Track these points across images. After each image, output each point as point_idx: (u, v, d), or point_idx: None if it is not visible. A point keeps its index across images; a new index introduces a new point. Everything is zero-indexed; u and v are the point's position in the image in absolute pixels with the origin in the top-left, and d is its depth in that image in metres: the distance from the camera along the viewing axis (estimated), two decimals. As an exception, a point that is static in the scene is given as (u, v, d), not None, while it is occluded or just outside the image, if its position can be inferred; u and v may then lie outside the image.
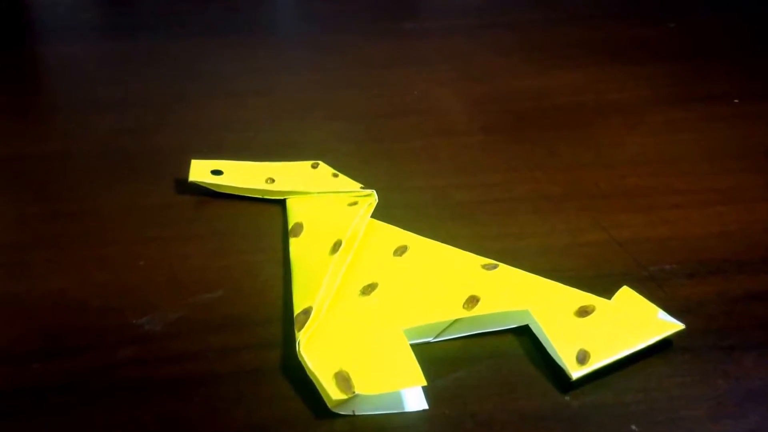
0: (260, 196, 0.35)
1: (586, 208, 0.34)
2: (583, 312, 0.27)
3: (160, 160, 0.39)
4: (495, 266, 0.29)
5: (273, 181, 0.35)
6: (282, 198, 0.35)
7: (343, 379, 0.24)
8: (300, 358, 0.25)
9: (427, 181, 0.37)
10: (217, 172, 0.36)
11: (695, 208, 0.34)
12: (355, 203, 0.33)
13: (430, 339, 0.27)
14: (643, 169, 0.37)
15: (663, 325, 0.26)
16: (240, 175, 0.36)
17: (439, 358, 0.26)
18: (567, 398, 0.24)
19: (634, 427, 0.23)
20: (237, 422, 0.24)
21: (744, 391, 0.24)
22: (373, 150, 0.40)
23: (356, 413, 0.24)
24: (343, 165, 0.37)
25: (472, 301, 0.27)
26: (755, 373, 0.25)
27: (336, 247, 0.30)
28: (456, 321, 0.27)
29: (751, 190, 0.36)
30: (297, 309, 0.27)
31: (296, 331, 0.26)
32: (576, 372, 0.24)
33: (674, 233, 0.32)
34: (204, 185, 0.35)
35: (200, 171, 0.36)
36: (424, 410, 0.24)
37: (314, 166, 0.37)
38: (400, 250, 0.30)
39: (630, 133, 0.41)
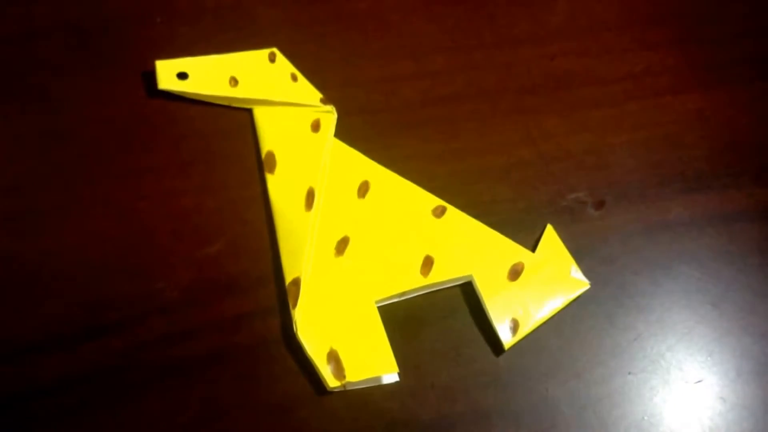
0: (227, 104, 0.39)
1: (519, 110, 0.39)
2: (514, 273, 0.34)
3: (118, 39, 0.40)
4: (443, 211, 0.36)
5: (236, 82, 0.39)
6: (248, 107, 0.39)
7: (335, 364, 0.32)
8: (298, 339, 0.32)
9: (377, 70, 0.40)
10: (182, 75, 0.38)
11: (612, 106, 0.39)
12: (318, 125, 0.38)
13: (394, 300, 0.34)
14: (571, 45, 0.41)
15: (575, 283, 0.34)
16: (204, 77, 0.38)
17: (401, 321, 0.33)
18: (500, 361, 0.33)
19: (548, 389, 0.32)
20: (260, 401, 0.32)
21: (626, 349, 0.33)
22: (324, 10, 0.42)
23: (347, 388, 0.32)
24: (296, 45, 0.40)
25: (427, 263, 0.34)
26: (634, 328, 0.34)
27: (309, 200, 0.35)
28: (414, 284, 0.34)
29: (662, 75, 0.40)
30: (287, 277, 0.34)
31: (291, 307, 0.33)
32: (507, 341, 0.33)
33: (591, 145, 0.38)
34: (172, 92, 0.38)
35: (167, 75, 0.38)
36: (396, 382, 0.32)
37: (271, 59, 0.40)
38: (363, 189, 0.36)
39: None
